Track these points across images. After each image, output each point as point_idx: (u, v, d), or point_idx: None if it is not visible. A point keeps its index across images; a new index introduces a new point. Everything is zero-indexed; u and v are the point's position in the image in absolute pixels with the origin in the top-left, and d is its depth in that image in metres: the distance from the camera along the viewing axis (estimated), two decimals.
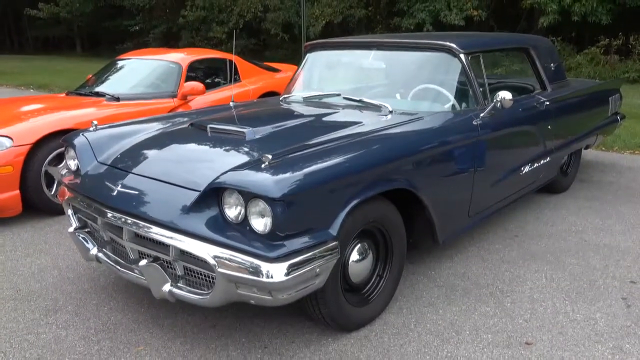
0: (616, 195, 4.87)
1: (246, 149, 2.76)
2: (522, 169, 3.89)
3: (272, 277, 2.19)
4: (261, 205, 2.24)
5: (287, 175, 2.27)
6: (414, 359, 2.53)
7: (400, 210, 2.88)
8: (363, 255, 2.76)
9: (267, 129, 3.01)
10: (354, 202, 2.49)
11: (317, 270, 2.33)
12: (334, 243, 2.38)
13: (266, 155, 2.34)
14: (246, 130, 2.91)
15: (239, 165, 2.45)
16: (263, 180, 2.24)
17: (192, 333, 2.75)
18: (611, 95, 5.31)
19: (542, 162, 4.13)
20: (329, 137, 2.82)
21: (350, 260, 2.69)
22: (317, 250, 2.32)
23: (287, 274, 2.21)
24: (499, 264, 3.50)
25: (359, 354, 2.57)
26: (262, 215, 2.25)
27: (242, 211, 2.32)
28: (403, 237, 2.94)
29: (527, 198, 4.47)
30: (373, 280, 2.89)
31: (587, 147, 5.22)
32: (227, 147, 2.83)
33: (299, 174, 2.29)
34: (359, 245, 2.74)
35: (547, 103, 4.10)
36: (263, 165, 2.32)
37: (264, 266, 2.20)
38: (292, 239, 2.27)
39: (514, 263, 3.51)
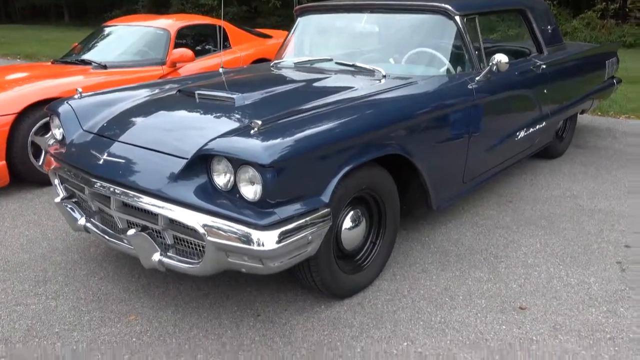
0: (611, 160, 4.84)
1: (235, 116, 2.69)
2: (518, 134, 3.84)
3: (263, 245, 2.14)
4: (251, 172, 2.18)
5: (278, 141, 2.20)
6: (407, 324, 2.52)
7: (394, 176, 2.83)
8: (356, 222, 2.72)
9: (257, 95, 2.93)
10: (346, 168, 2.44)
11: (309, 237, 2.28)
12: (326, 210, 2.34)
13: (255, 121, 2.27)
14: (235, 96, 2.83)
15: (227, 132, 2.39)
16: (252, 146, 2.17)
17: (184, 302, 2.73)
18: (608, 59, 5.23)
19: (537, 127, 4.07)
20: (321, 102, 2.74)
21: (342, 228, 2.65)
22: (308, 218, 2.28)
23: (278, 242, 2.17)
24: (493, 229, 3.48)
25: (352, 321, 2.56)
26: (252, 183, 2.20)
27: (232, 178, 2.26)
28: (396, 204, 2.90)
29: (521, 163, 4.43)
30: (366, 247, 2.86)
31: (583, 112, 5.16)
32: (216, 114, 2.75)
33: (289, 140, 2.23)
34: (351, 212, 2.69)
35: (544, 66, 4.02)
36: (252, 131, 2.25)
37: (255, 234, 2.15)
38: (283, 206, 2.22)
39: (508, 228, 3.49)
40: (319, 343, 2.40)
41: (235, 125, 2.54)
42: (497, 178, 4.02)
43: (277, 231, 2.17)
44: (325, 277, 2.55)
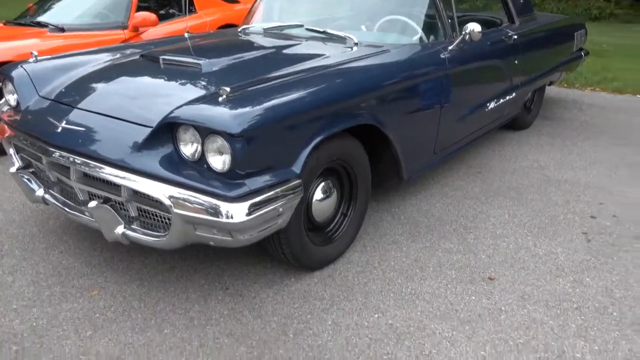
0: (578, 132, 4.90)
1: (202, 82, 2.57)
2: (488, 104, 3.82)
3: (232, 217, 2.07)
4: (219, 141, 2.09)
5: (247, 109, 2.11)
6: (378, 296, 2.51)
7: (366, 147, 2.78)
8: (327, 193, 2.67)
9: (225, 61, 2.81)
10: (318, 139, 2.37)
11: (280, 209, 2.22)
12: (297, 181, 2.28)
13: (224, 88, 2.16)
14: (202, 62, 2.71)
15: (194, 99, 2.28)
16: (221, 114, 2.08)
17: (149, 276, 2.65)
18: (577, 31, 5.25)
19: (507, 97, 4.07)
20: (291, 70, 2.65)
21: (313, 199, 2.60)
22: (279, 189, 2.21)
23: (248, 214, 2.10)
24: (462, 200, 3.48)
25: (323, 293, 2.53)
26: (221, 153, 2.11)
27: (199, 148, 2.17)
28: (368, 175, 2.86)
29: (490, 135, 4.44)
30: (337, 219, 2.82)
31: (551, 84, 5.20)
32: (182, 80, 2.63)
33: (259, 108, 2.14)
34: (322, 183, 2.64)
35: (515, 37, 3.99)
36: (220, 99, 2.15)
37: (224, 206, 2.07)
38: (253, 177, 2.15)
39: (477, 199, 3.50)
40: (289, 316, 2.37)
41: (202, 92, 2.44)
42: (466, 149, 4.02)
43: (247, 203, 2.10)
44: (295, 250, 2.51)
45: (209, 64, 2.70)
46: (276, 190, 2.20)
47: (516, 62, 4.04)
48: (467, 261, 2.79)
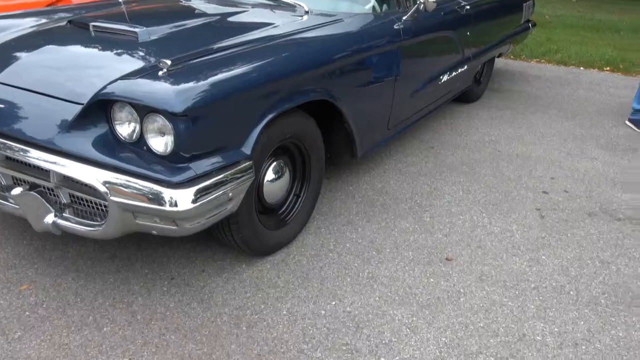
0: (526, 105, 4.92)
1: (139, 53, 2.33)
2: (441, 77, 3.73)
3: (176, 205, 1.88)
4: (160, 121, 1.88)
5: (191, 84, 1.90)
6: (334, 282, 2.39)
7: (318, 123, 2.63)
8: (279, 174, 2.51)
9: (164, 30, 2.56)
10: (270, 116, 2.20)
11: (230, 194, 2.05)
12: (247, 163, 2.10)
13: (164, 60, 1.94)
14: (139, 30, 2.45)
15: (130, 73, 2.04)
16: (161, 91, 1.86)
17: (86, 266, 2.42)
18: (525, 2, 5.22)
19: (459, 70, 3.99)
20: (238, 40, 2.43)
21: (265, 180, 2.44)
22: (228, 172, 2.03)
23: (194, 201, 1.91)
24: (417, 177, 3.41)
25: (277, 280, 2.39)
26: (162, 133, 1.90)
27: (137, 128, 1.95)
28: (322, 153, 2.71)
29: (440, 108, 4.37)
30: (290, 200, 2.67)
31: (499, 55, 5.17)
32: (116, 51, 2.37)
33: (204, 84, 1.93)
34: (274, 163, 2.48)
35: (468, 7, 3.89)
36: (160, 73, 1.93)
37: (167, 193, 1.88)
38: (199, 160, 1.95)
39: (431, 176, 3.43)
40: (241, 307, 2.22)
41: (140, 65, 2.19)
42: (418, 123, 3.93)
43: (193, 189, 1.91)
44: (246, 235, 2.35)
45: (146, 33, 2.45)
46: (225, 174, 2.02)
47: (468, 33, 3.95)
48: (424, 241, 2.72)
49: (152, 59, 2.22)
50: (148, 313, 2.17)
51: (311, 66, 2.42)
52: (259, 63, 2.19)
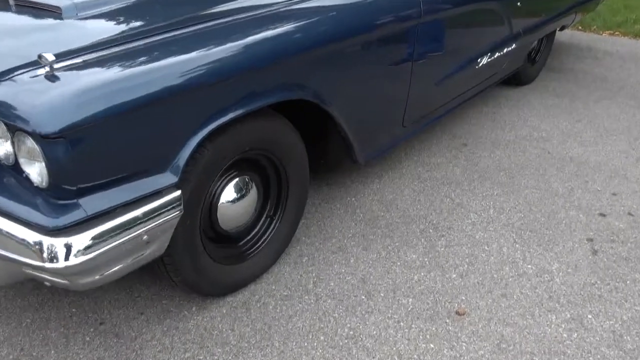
0: (590, 90, 4.08)
1: (53, 36, 1.77)
2: (480, 60, 3.01)
3: (56, 259, 1.36)
4: (28, 142, 1.35)
5: (76, 91, 1.34)
6: (302, 340, 1.84)
7: (303, 122, 2.05)
8: (242, 192, 1.95)
9: (101, 4, 2.00)
10: (214, 124, 1.63)
11: (145, 237, 1.51)
12: (173, 195, 1.55)
13: (45, 55, 1.38)
14: (64, 4, 1.90)
15: (9, 70, 1.50)
16: (27, 101, 1.32)
17: (6, 299, 1.97)
18: None
19: (505, 50, 3.24)
20: (187, 17, 1.84)
21: (220, 202, 1.88)
22: (143, 209, 1.49)
23: (84, 253, 1.39)
24: (439, 186, 2.75)
25: (229, 333, 1.86)
26: (34, 159, 1.37)
27: (10, 149, 1.43)
28: (303, 163, 2.12)
29: (482, 92, 3.64)
30: (261, 224, 2.11)
31: (562, 28, 4.32)
32: (27, 32, 1.81)
33: (101, 88, 1.37)
34: (236, 180, 1.92)
35: None
36: (40, 73, 1.39)
37: (46, 242, 1.36)
38: (93, 193, 1.42)
39: (457, 185, 2.76)
40: None
41: (57, 49, 1.64)
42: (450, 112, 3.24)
43: (82, 236, 1.39)
44: (187, 276, 1.82)
45: (73, 8, 1.88)
46: (136, 211, 1.48)
47: (518, 3, 3.18)
48: (432, 283, 2.10)
49: (63, 47, 1.67)
50: None
51: (282, 54, 1.81)
52: (198, 53, 1.60)
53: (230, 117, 1.67)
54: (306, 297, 2.03)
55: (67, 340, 1.83)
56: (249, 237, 2.05)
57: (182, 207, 1.57)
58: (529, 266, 2.20)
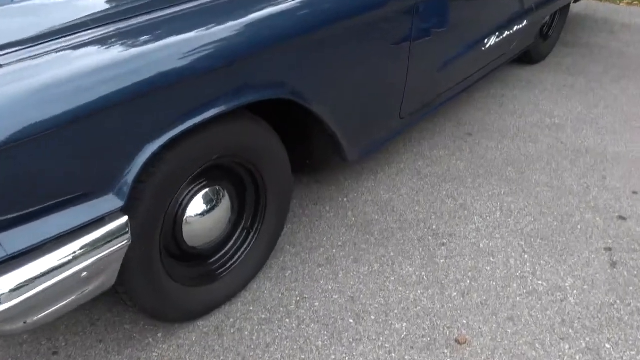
0: (607, 67, 3.76)
1: None
2: (487, 41, 2.71)
3: None
4: None
5: None
6: None
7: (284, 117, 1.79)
8: (212, 204, 1.70)
9: None
10: (173, 132, 1.37)
11: (85, 274, 1.28)
12: (120, 222, 1.31)
13: None
14: None
15: None
16: None
17: None
18: None
19: (515, 28, 2.94)
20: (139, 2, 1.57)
21: (185, 217, 1.64)
22: (78, 243, 1.25)
23: (8, 298, 1.16)
24: (440, 183, 2.49)
25: None
26: None
27: None
28: (284, 169, 1.86)
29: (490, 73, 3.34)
30: (235, 238, 1.86)
31: (577, 0, 3.98)
32: None
33: (17, 98, 1.12)
34: (204, 191, 1.67)
35: None
36: None
37: None
38: (15, 227, 1.17)
39: (460, 182, 2.50)
40: None
41: None
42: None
43: (5, 277, 1.15)
44: (147, 303, 1.59)
45: None
46: (70, 246, 1.24)
47: None
48: (429, 303, 1.87)
49: None
50: None
51: (252, 47, 1.53)
52: (147, 47, 1.33)
53: (190, 123, 1.41)
54: (287, 320, 1.80)
55: None
56: (221, 254, 1.81)
57: (129, 235, 1.33)
58: (540, 282, 1.95)
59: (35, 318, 1.25)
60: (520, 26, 2.97)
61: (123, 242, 1.32)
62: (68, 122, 1.16)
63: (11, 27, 1.42)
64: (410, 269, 2.01)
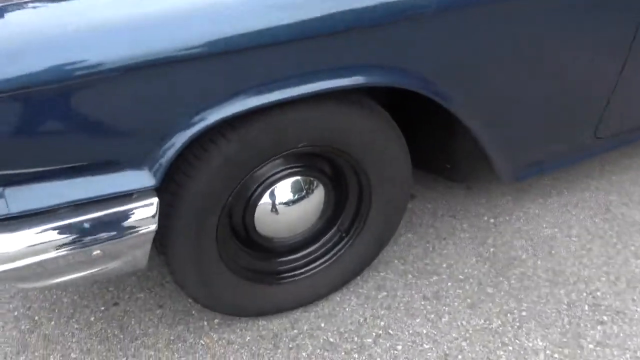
0: None
1: None
2: None
3: None
4: None
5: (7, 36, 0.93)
6: None
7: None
8: (301, 194, 1.41)
9: None
10: (237, 107, 1.09)
11: (97, 253, 1.10)
12: (146, 202, 1.09)
13: None
14: None
15: None
16: None
17: None
18: None
19: None
20: None
21: (260, 203, 1.38)
22: (89, 216, 1.07)
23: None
24: (632, 233, 1.83)
25: None
26: None
27: None
28: (401, 172, 1.47)
29: None
30: (328, 238, 1.55)
31: None
32: None
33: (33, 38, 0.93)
34: (296, 178, 1.39)
35: None
36: None
37: None
38: (26, 184, 1.03)
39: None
40: None
41: None
42: None
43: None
44: (194, 290, 1.39)
45: None
46: (81, 217, 1.06)
47: None
48: None
49: None
50: None
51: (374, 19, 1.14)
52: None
53: (268, 100, 1.11)
54: (355, 355, 1.46)
55: (73, 312, 1.58)
56: (296, 256, 1.52)
57: (156, 220, 1.10)
58: None
59: (48, 282, 1.13)
60: None
61: (148, 228, 1.10)
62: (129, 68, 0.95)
63: None
64: (540, 343, 1.49)
